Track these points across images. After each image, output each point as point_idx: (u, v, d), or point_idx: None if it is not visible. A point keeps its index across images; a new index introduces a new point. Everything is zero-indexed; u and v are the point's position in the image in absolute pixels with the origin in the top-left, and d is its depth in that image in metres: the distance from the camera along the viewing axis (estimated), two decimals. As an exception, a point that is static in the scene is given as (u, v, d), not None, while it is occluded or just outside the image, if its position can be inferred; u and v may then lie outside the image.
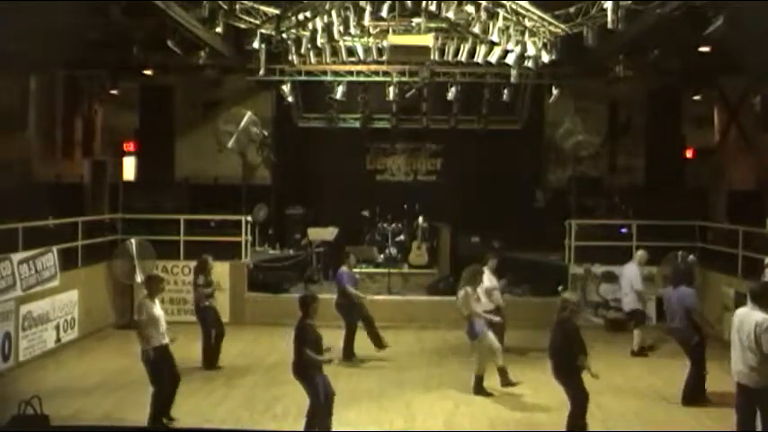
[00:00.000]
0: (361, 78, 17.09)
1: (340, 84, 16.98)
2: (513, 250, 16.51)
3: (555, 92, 16.73)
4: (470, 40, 14.84)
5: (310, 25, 14.31)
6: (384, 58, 15.75)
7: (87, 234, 14.42)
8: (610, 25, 11.91)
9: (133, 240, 14.42)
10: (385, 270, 16.42)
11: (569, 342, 8.27)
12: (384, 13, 13.38)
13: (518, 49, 14.14)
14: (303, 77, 17.11)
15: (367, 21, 14.02)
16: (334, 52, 15.64)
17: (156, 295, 9.12)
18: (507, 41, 14.00)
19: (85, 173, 18.17)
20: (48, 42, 9.57)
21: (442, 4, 13.21)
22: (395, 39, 14.40)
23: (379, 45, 15.49)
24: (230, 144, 16.27)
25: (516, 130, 18.68)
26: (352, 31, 14.28)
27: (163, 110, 18.00)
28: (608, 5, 11.84)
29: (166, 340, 8.95)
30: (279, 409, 9.61)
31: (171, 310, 13.79)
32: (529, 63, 14.51)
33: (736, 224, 14.35)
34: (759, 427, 7.68)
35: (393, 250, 17.40)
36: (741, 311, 7.76)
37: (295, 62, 15.79)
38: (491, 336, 10.59)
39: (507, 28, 13.95)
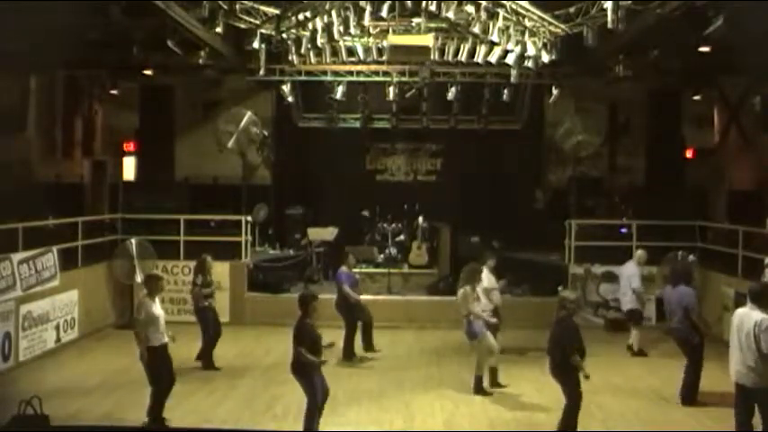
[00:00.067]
0: (361, 78, 17.07)
1: (340, 84, 16.97)
2: (513, 250, 16.53)
3: (555, 92, 16.71)
4: (470, 40, 14.83)
5: (310, 25, 14.30)
6: (384, 58, 15.74)
7: (87, 234, 14.43)
8: (610, 25, 11.90)
9: (133, 240, 14.43)
10: (385, 270, 16.42)
11: (567, 340, 8.29)
12: (384, 13, 13.36)
13: (518, 49, 14.13)
14: (303, 77, 17.09)
15: (367, 21, 14.00)
16: (334, 52, 15.63)
17: (155, 294, 9.14)
18: (507, 41, 13.99)
19: (85, 173, 18.19)
20: (48, 42, 9.56)
21: (442, 4, 13.19)
22: (395, 39, 14.39)
23: (379, 45, 15.48)
24: (230, 144, 16.27)
25: (516, 130, 18.68)
26: (352, 31, 14.26)
27: (163, 110, 18.00)
28: (608, 5, 11.83)
29: (166, 339, 8.96)
30: (279, 408, 9.62)
31: (171, 310, 13.79)
32: (529, 63, 14.50)
33: (736, 224, 14.35)
34: (759, 427, 7.69)
35: (393, 250, 17.40)
36: (741, 311, 7.77)
37: (295, 62, 15.78)
38: (490, 336, 10.61)
39: (507, 28, 13.94)
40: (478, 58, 15.00)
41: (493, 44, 14.31)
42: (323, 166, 18.71)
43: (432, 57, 14.85)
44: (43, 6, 8.67)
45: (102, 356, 12.49)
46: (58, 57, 13.16)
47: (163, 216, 15.58)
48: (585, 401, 9.14)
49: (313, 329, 8.35)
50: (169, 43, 13.46)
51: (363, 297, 12.90)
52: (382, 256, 17.32)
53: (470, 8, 13.35)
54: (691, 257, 13.80)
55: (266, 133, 17.37)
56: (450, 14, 13.26)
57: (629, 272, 12.87)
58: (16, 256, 11.76)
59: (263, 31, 14.70)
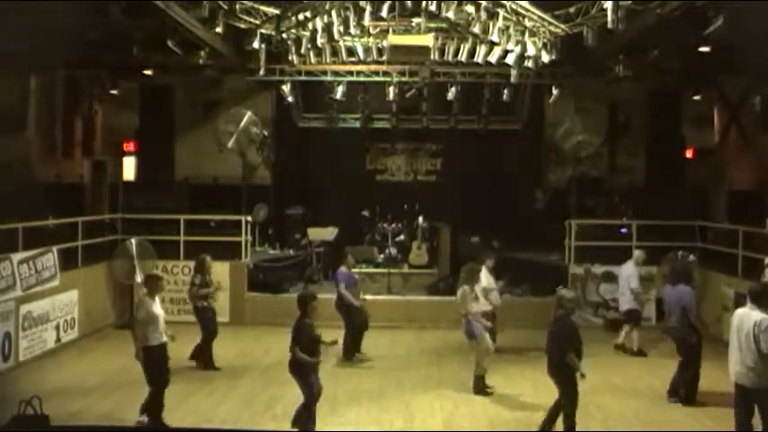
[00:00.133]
0: (361, 78, 17.07)
1: (340, 84, 16.97)
2: (513, 250, 16.54)
3: (555, 92, 16.71)
4: (470, 40, 14.83)
5: (310, 25, 14.30)
6: (384, 58, 15.73)
7: (87, 234, 14.43)
8: (610, 25, 11.90)
9: (133, 240, 14.43)
10: (385, 270, 16.42)
11: (565, 340, 8.30)
12: (384, 13, 13.36)
13: (518, 49, 14.13)
14: (303, 77, 17.09)
15: (367, 21, 14.00)
16: (334, 52, 15.63)
17: (155, 294, 9.14)
18: (507, 41, 13.99)
19: (85, 173, 18.19)
20: (48, 42, 9.56)
21: (442, 4, 13.19)
22: (395, 39, 14.39)
23: (379, 45, 15.48)
24: (230, 144, 16.27)
25: (516, 130, 18.68)
26: (352, 31, 14.25)
27: (163, 110, 18.00)
28: (608, 5, 11.83)
29: (164, 339, 8.97)
30: (278, 408, 9.61)
31: (171, 309, 13.79)
32: (529, 63, 14.50)
33: (736, 224, 14.35)
34: (759, 427, 7.69)
35: (393, 250, 17.40)
36: (740, 312, 7.77)
37: (295, 62, 15.77)
38: (488, 338, 10.63)
39: (507, 28, 13.94)
40: (478, 58, 15.00)
41: (493, 44, 14.31)
42: (323, 166, 18.71)
43: (432, 57, 14.85)
44: (43, 6, 8.67)
45: (102, 356, 12.49)
46: (58, 57, 13.16)
47: (163, 216, 15.57)
48: (586, 401, 9.16)
49: (311, 329, 8.36)
50: (169, 43, 13.47)
51: (363, 297, 12.83)
52: (382, 256, 17.32)
53: (470, 8, 13.35)
54: (691, 257, 13.80)
55: (266, 133, 17.37)
56: (450, 14, 13.26)
57: (628, 272, 12.88)
58: (16, 256, 11.76)
59: (263, 31, 14.69)
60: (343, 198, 18.44)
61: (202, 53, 14.74)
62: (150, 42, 14.02)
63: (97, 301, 14.35)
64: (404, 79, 16.98)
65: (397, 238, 17.69)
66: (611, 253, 14.92)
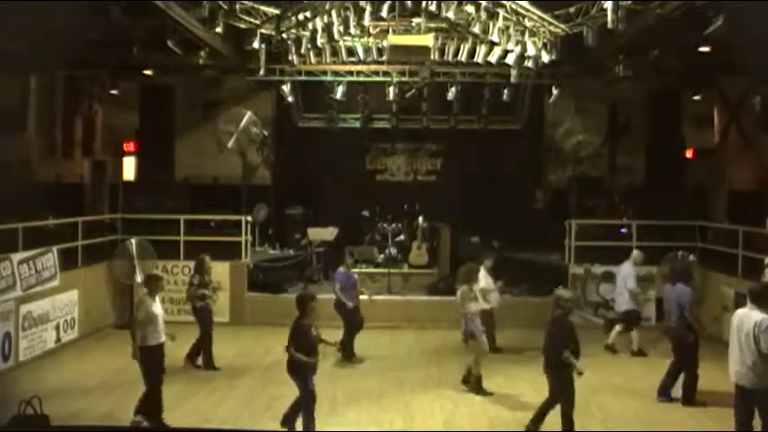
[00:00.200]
0: (361, 78, 17.07)
1: (340, 84, 16.97)
2: (513, 250, 16.54)
3: (555, 92, 16.72)
4: (470, 40, 14.83)
5: (310, 25, 14.30)
6: (384, 58, 15.74)
7: (87, 234, 14.43)
8: (610, 25, 11.90)
9: (133, 240, 14.42)
10: (385, 270, 16.42)
11: (562, 340, 8.30)
12: (384, 13, 13.36)
13: (518, 49, 14.13)
14: (303, 77, 17.09)
15: (367, 21, 14.00)
16: (334, 52, 15.63)
17: (155, 294, 9.15)
18: (507, 41, 13.99)
19: (85, 173, 18.19)
20: (48, 42, 9.56)
21: (442, 4, 13.19)
22: (395, 39, 14.40)
23: (379, 45, 15.48)
24: (230, 144, 16.27)
25: (516, 130, 18.69)
26: (352, 31, 14.26)
27: (163, 110, 18.01)
28: (608, 5, 11.83)
29: (163, 339, 8.98)
30: (278, 408, 9.55)
31: (171, 309, 13.78)
32: (529, 63, 14.50)
33: (736, 224, 14.35)
34: (759, 427, 7.69)
35: (393, 250, 17.41)
36: (741, 312, 7.76)
37: (295, 62, 15.78)
38: (485, 339, 10.67)
39: (507, 28, 13.94)
40: (478, 58, 15.01)
41: (493, 44, 14.31)
42: (323, 166, 18.72)
43: (432, 57, 14.86)
44: (43, 6, 8.67)
45: (102, 356, 12.49)
46: (58, 57, 13.16)
47: (163, 216, 15.57)
48: (586, 401, 9.18)
49: (308, 330, 8.37)
50: (169, 43, 13.47)
51: (362, 298, 12.77)
52: (382, 256, 17.32)
53: (470, 8, 13.36)
54: (691, 257, 13.79)
55: (266, 133, 17.38)
56: (450, 14, 13.26)
57: (625, 272, 12.87)
58: (16, 256, 11.76)
59: (263, 31, 14.70)
60: (343, 198, 18.45)
61: (202, 53, 14.75)
62: (150, 42, 14.02)
63: (97, 301, 14.35)
64: (404, 79, 16.99)
65: (397, 238, 17.70)
66: (611, 253, 14.91)
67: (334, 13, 13.62)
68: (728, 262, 13.73)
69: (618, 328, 12.91)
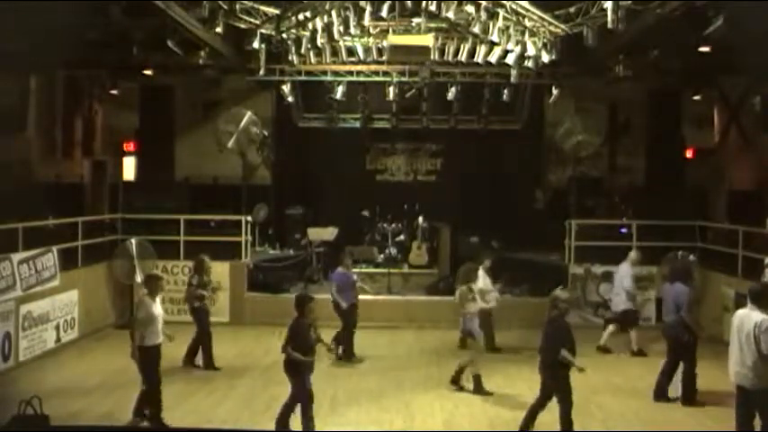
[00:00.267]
0: (361, 78, 17.07)
1: (340, 84, 16.98)
2: (513, 250, 16.54)
3: (555, 92, 16.71)
4: (470, 40, 14.83)
5: (310, 25, 14.30)
6: (384, 58, 15.75)
7: (87, 234, 14.42)
8: (610, 25, 11.90)
9: (133, 240, 14.42)
10: (385, 270, 16.43)
11: (558, 340, 8.30)
12: (384, 13, 13.36)
13: (518, 49, 14.13)
14: (303, 77, 17.09)
15: (367, 21, 14.00)
16: (334, 52, 15.63)
17: (155, 294, 9.15)
18: (507, 41, 13.99)
19: (85, 173, 18.19)
20: (48, 42, 9.55)
21: (442, 4, 13.19)
22: (395, 39, 14.41)
23: (379, 45, 15.49)
24: (230, 144, 16.27)
25: (516, 130, 18.68)
26: (352, 31, 14.26)
27: (163, 110, 18.01)
28: (608, 5, 11.83)
29: (161, 339, 8.98)
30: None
31: (171, 309, 13.76)
32: (529, 63, 14.50)
33: (736, 224, 14.35)
34: (759, 427, 7.68)
35: (393, 250, 17.41)
36: (741, 312, 7.76)
37: (295, 62, 15.78)
38: (482, 339, 10.67)
39: (507, 28, 13.94)
40: (478, 58, 15.01)
41: (493, 44, 14.31)
42: (323, 166, 18.72)
43: (432, 57, 14.87)
44: (43, 6, 8.67)
45: (102, 356, 12.49)
46: (58, 57, 13.14)
47: (163, 216, 15.57)
48: (586, 401, 9.18)
49: (307, 330, 8.37)
50: (169, 43, 13.47)
51: (362, 298, 12.78)
52: (382, 256, 17.33)
53: (470, 8, 13.36)
54: (691, 257, 13.78)
55: (266, 133, 17.38)
56: (450, 14, 13.27)
57: (622, 272, 12.87)
58: (16, 256, 11.75)
59: (263, 31, 14.69)
60: (343, 198, 18.45)
61: (202, 53, 14.75)
62: (150, 42, 14.02)
63: (97, 301, 14.35)
64: (404, 79, 16.98)
65: (397, 238, 17.70)
66: (611, 253, 14.89)
67: (334, 13, 13.62)
68: (728, 262, 13.73)
69: (611, 328, 12.90)
